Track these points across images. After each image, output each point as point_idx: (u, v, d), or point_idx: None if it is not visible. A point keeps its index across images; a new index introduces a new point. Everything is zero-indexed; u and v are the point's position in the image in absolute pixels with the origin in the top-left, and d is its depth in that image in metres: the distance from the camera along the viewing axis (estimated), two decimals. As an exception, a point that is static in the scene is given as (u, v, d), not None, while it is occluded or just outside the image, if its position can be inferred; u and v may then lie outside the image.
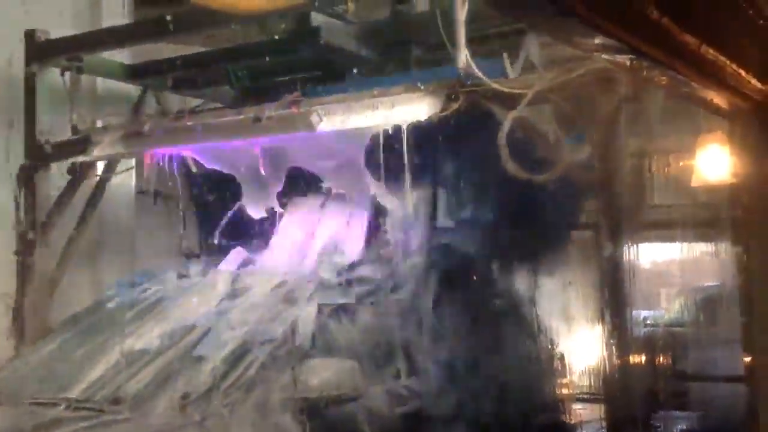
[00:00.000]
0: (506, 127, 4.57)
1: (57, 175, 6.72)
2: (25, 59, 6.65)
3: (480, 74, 4.69)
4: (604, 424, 4.78)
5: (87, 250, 7.18)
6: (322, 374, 3.64)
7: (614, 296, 4.59)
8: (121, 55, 7.39)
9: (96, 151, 5.99)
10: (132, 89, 7.72)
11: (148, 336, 4.25)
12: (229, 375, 3.76)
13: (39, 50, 6.55)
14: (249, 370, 3.72)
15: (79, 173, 6.52)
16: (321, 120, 4.90)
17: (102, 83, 7.74)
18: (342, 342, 4.29)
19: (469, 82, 4.74)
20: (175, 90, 7.31)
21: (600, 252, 4.70)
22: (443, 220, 5.14)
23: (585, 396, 6.09)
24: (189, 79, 7.08)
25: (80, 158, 6.16)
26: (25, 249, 6.61)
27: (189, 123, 5.35)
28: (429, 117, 4.83)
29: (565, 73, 4.55)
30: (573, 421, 5.68)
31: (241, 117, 5.16)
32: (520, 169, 4.60)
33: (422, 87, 4.86)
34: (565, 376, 5.80)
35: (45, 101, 6.66)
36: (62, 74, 6.41)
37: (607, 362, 4.63)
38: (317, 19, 5.77)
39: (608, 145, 4.67)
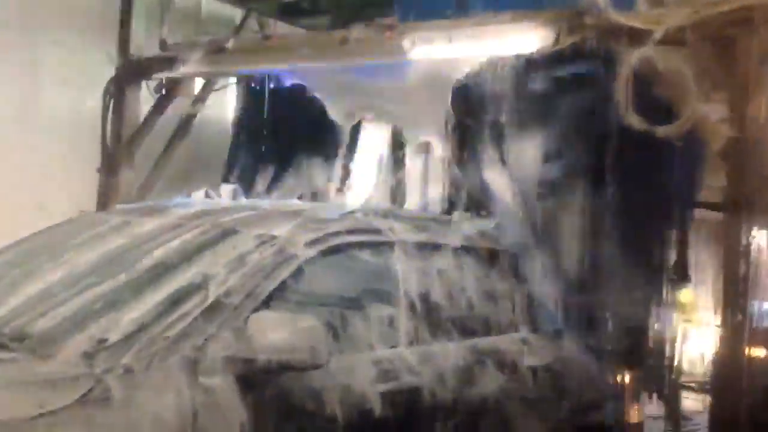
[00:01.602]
0: (628, 68, 3.86)
1: (146, 94, 6.44)
2: (122, -29, 6.34)
3: (606, 4, 3.98)
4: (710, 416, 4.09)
5: (174, 177, 6.89)
6: (275, 332, 2.80)
7: (737, 285, 3.86)
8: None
9: (182, 68, 5.58)
10: (236, 14, 7.40)
11: (83, 265, 3.41)
12: (158, 322, 2.88)
13: (137, -41, 6.21)
14: (184, 318, 2.89)
15: (166, 92, 6.18)
16: (414, 45, 4.32)
17: (207, 4, 7.44)
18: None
19: (589, 14, 4.04)
20: (277, 15, 6.90)
21: (727, 232, 3.97)
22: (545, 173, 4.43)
23: (693, 385, 5.40)
24: (291, 5, 6.67)
25: (166, 75, 5.77)
26: (108, 167, 6.34)
27: (273, 43, 4.87)
28: (538, 50, 4.17)
29: (706, 9, 3.78)
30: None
31: (328, 38, 4.63)
32: (641, 120, 3.89)
33: (535, 15, 4.19)
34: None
35: (141, 15, 6.34)
36: (154, -16, 6.04)
37: (723, 354, 3.94)
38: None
39: (750, 103, 3.90)
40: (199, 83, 6.54)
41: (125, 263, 3.34)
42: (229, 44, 5.12)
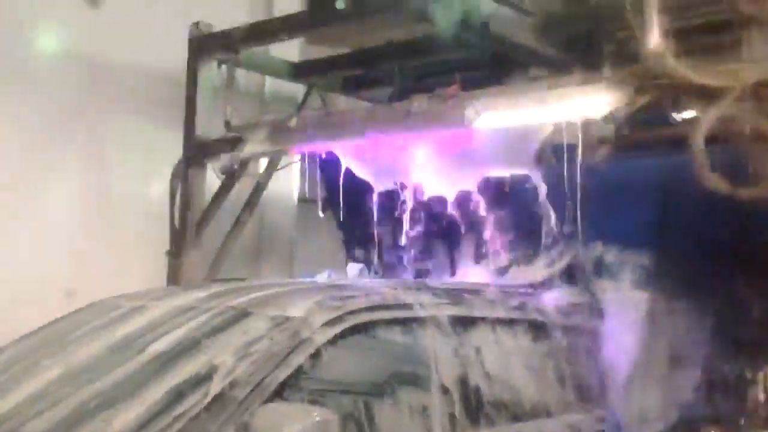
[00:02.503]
0: (704, 127, 3.68)
1: (214, 175, 6.46)
2: (188, 52, 6.42)
3: (675, 62, 3.82)
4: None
5: (242, 255, 6.89)
6: (285, 428, 2.50)
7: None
8: (290, 54, 7.10)
9: (246, 149, 5.58)
10: (299, 90, 7.45)
11: (86, 358, 3.16)
12: (155, 421, 2.60)
13: (201, 43, 6.29)
14: (184, 417, 2.60)
15: (232, 172, 6.18)
16: (478, 115, 4.22)
17: (270, 83, 7.51)
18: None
19: (660, 73, 3.88)
20: (340, 90, 6.91)
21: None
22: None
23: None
24: (354, 79, 6.66)
25: (230, 155, 5.78)
26: (176, 249, 6.34)
27: (335, 118, 4.82)
28: (610, 113, 4.02)
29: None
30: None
31: (390, 110, 4.56)
32: (720, 181, 3.68)
33: (603, 76, 4.05)
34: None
35: (207, 96, 6.40)
36: (219, 67, 6.10)
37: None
38: (488, 6, 5.10)
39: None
40: (263, 162, 6.56)
41: (129, 354, 3.13)
42: (292, 123, 5.09)
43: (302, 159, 6.14)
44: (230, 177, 6.28)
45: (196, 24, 6.32)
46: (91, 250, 6.22)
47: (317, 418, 2.61)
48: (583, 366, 3.91)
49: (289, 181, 7.25)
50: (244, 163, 6.11)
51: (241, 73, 6.56)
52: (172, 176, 6.34)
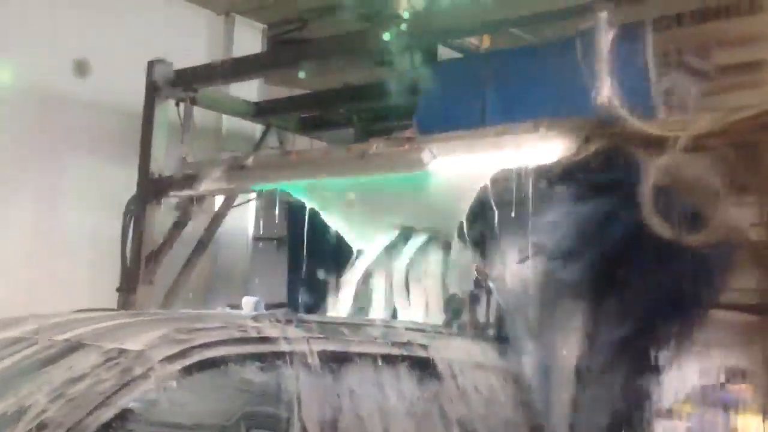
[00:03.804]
0: (652, 175, 3.78)
1: (166, 212, 6.44)
2: (145, 90, 6.42)
3: (625, 113, 3.93)
4: None
5: (195, 292, 6.83)
6: None
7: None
8: (249, 93, 7.16)
9: (202, 186, 5.58)
10: (257, 129, 7.48)
11: None
12: None
13: (159, 81, 6.29)
14: None
15: (188, 208, 6.17)
16: (434, 157, 4.28)
17: (227, 122, 7.54)
18: None
19: (609, 122, 4.00)
20: (298, 130, 6.97)
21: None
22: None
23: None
24: (311, 119, 6.73)
25: (187, 193, 5.77)
26: (128, 285, 6.28)
27: (292, 158, 4.86)
28: (559, 161, 4.11)
29: (732, 115, 3.72)
30: None
31: (346, 153, 4.61)
32: (668, 228, 3.78)
33: (556, 124, 4.15)
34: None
35: (162, 133, 6.39)
36: (177, 105, 6.11)
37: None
38: (444, 54, 5.21)
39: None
40: (219, 200, 6.56)
41: None
42: (249, 161, 5.11)
43: (258, 197, 6.15)
44: (184, 214, 6.27)
45: (153, 62, 6.35)
46: (42, 285, 6.13)
47: None
48: (481, 410, 3.58)
49: (243, 219, 7.24)
50: (199, 200, 6.10)
51: (198, 111, 6.58)
52: (125, 212, 6.30)
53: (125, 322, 3.13)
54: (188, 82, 6.11)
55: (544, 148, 4.20)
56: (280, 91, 7.01)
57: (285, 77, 6.63)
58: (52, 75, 6.45)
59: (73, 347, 2.85)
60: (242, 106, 6.95)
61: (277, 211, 5.75)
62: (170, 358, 2.72)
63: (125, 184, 6.29)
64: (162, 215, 6.33)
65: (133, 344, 2.77)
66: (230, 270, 7.32)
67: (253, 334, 3.04)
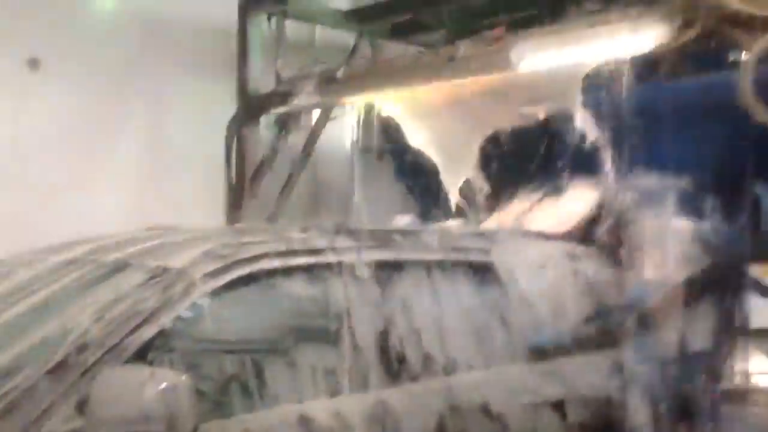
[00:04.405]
0: (752, 60, 3.57)
1: (267, 128, 6.53)
2: (237, 7, 6.45)
3: (722, -7, 3.71)
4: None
5: (299, 206, 6.96)
6: (121, 398, 2.16)
7: None
8: (339, 2, 7.07)
9: (296, 101, 5.62)
10: (350, 39, 7.41)
11: None
12: None
13: (250, -3, 6.31)
14: (20, 387, 2.27)
15: (286, 124, 6.25)
16: (522, 57, 4.16)
17: (320, 32, 7.48)
18: None
19: (707, 4, 3.77)
20: (390, 36, 6.86)
21: None
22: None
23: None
24: (403, 25, 6.61)
25: (282, 109, 5.83)
26: (234, 202, 6.46)
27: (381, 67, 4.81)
28: (658, 48, 3.93)
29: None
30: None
31: (435, 57, 4.53)
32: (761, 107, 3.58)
33: (648, 11, 3.95)
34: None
35: (257, 50, 6.43)
36: (268, 20, 6.12)
37: None
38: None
39: None
40: (315, 113, 6.59)
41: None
42: (339, 73, 5.10)
43: (353, 109, 6.15)
44: (283, 130, 6.35)
45: (243, -23, 6.36)
46: (150, 206, 6.35)
47: (161, 384, 2.24)
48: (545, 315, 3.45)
49: (342, 131, 7.26)
50: (296, 116, 6.16)
51: (290, 25, 6.57)
52: (227, 132, 6.43)
53: (175, 240, 3.06)
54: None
55: (639, 38, 4.02)
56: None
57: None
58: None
59: (119, 267, 2.84)
60: (333, 15, 6.88)
61: (375, 123, 5.77)
62: (212, 274, 2.68)
63: (226, 102, 6.40)
64: (262, 132, 6.44)
65: (176, 262, 2.74)
66: (332, 183, 7.38)
67: (300, 246, 2.95)
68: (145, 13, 6.53)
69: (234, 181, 6.43)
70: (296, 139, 6.50)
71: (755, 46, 3.54)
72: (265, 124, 6.37)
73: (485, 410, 3.04)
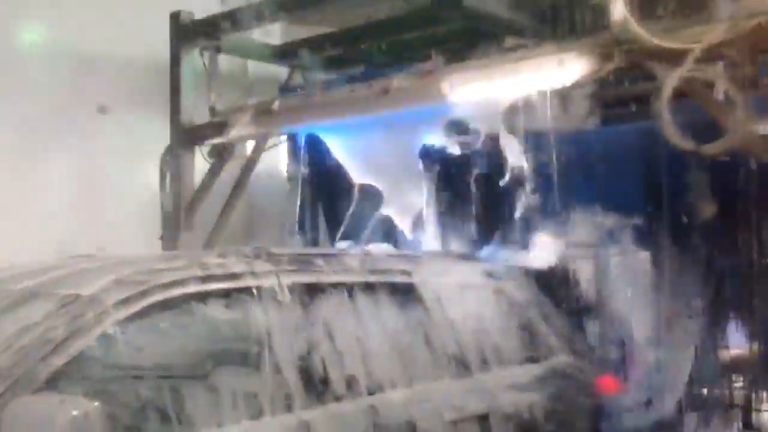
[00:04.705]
0: (667, 88, 3.83)
1: (201, 159, 6.59)
2: (170, 42, 6.53)
3: (638, 28, 3.96)
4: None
5: (236, 234, 7.02)
6: (32, 427, 2.17)
7: None
8: (272, 36, 7.20)
9: (232, 133, 5.72)
10: (283, 72, 7.55)
11: None
12: None
13: (183, 32, 6.39)
14: None
15: (221, 154, 6.33)
16: (453, 88, 4.36)
17: (253, 66, 7.60)
18: None
19: (625, 39, 4.03)
20: (322, 70, 7.01)
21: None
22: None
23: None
24: (335, 58, 6.77)
25: (217, 140, 5.91)
26: (169, 233, 6.48)
27: (316, 99, 4.96)
28: (578, 81, 4.17)
29: (743, 22, 3.74)
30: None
31: (369, 89, 4.69)
32: (685, 139, 3.84)
33: (572, 45, 4.19)
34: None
35: (190, 83, 6.51)
36: (201, 54, 6.21)
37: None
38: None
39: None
40: (250, 143, 6.68)
41: None
42: (275, 105, 5.23)
43: (289, 138, 6.29)
44: (218, 160, 6.42)
45: (178, 13, 6.44)
46: (85, 236, 6.30)
47: (72, 411, 2.24)
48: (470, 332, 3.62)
49: (277, 160, 7.36)
50: (231, 147, 6.24)
51: (223, 58, 6.67)
52: (161, 162, 6.47)
53: (89, 267, 3.04)
54: (211, 30, 6.20)
55: (563, 70, 4.25)
56: (303, 32, 7.03)
57: (307, 17, 6.66)
58: (81, 35, 6.56)
59: (29, 296, 2.83)
60: (265, 49, 7.01)
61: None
62: (125, 301, 2.70)
63: (160, 135, 6.45)
64: (197, 163, 6.50)
65: (88, 289, 2.73)
66: (267, 211, 7.47)
67: (217, 271, 2.99)
68: (76, 49, 6.55)
69: (170, 209, 6.46)
70: (232, 168, 6.58)
71: (670, 78, 3.79)
72: (200, 154, 6.44)
73: (411, 428, 3.14)
